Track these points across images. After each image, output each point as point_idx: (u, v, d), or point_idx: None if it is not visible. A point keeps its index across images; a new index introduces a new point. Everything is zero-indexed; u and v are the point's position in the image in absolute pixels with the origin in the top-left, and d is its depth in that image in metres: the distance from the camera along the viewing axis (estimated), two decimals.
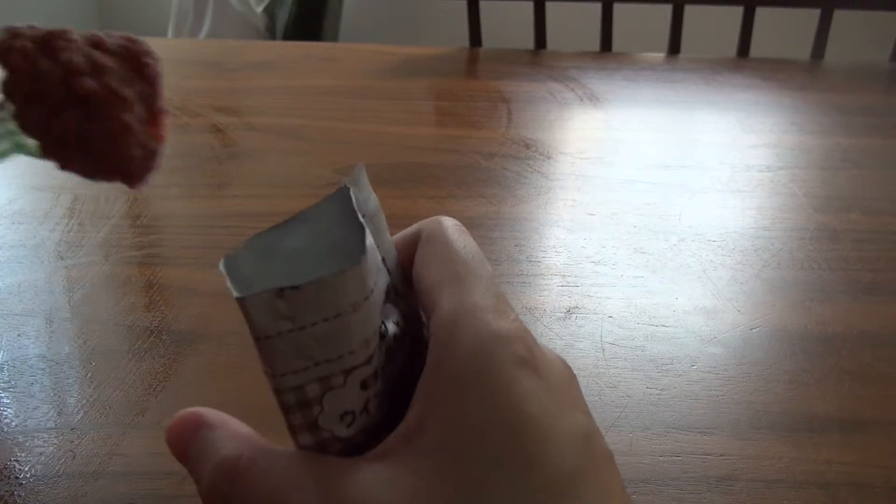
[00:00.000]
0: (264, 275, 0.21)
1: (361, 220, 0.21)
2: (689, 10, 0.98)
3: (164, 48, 0.96)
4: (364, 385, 0.21)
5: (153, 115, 0.33)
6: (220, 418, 0.23)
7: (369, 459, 0.21)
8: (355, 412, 0.21)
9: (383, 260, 0.23)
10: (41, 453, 0.35)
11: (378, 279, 0.22)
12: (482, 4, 1.02)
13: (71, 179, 0.32)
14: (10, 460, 0.34)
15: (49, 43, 0.32)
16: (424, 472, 0.20)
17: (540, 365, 0.21)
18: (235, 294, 0.19)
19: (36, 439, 0.36)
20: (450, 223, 0.26)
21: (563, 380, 0.23)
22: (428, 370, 0.22)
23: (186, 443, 0.23)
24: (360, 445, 0.22)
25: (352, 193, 0.22)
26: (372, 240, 0.21)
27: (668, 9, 0.99)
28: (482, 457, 0.19)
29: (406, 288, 0.25)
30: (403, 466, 0.20)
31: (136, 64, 0.32)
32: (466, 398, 0.20)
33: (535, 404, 0.20)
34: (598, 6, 1.00)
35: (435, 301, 0.23)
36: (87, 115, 0.30)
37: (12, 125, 0.31)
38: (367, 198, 0.23)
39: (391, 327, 0.23)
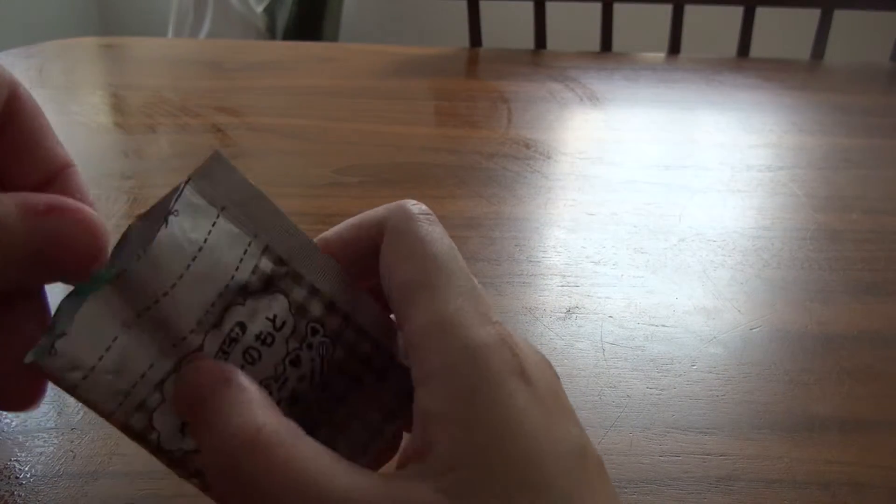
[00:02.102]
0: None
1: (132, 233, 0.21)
2: (689, 10, 0.98)
3: (164, 48, 0.96)
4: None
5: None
6: (249, 381, 0.21)
7: (393, 477, 0.20)
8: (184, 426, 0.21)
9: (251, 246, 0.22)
10: (41, 453, 0.35)
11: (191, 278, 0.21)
12: (482, 4, 1.02)
13: None
14: (10, 460, 0.34)
15: None
16: (439, 493, 0.19)
17: (530, 372, 0.21)
18: (26, 359, 0.19)
19: (36, 439, 0.36)
20: (416, 211, 0.24)
21: (550, 385, 0.22)
22: (420, 384, 0.21)
23: (204, 399, 0.20)
24: None
25: (184, 189, 0.21)
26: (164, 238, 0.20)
27: (668, 9, 0.99)
28: (490, 479, 0.19)
29: (349, 289, 0.24)
30: (421, 484, 0.19)
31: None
32: (469, 417, 0.20)
33: (530, 420, 0.20)
34: (598, 6, 1.00)
35: (408, 306, 0.22)
36: None
37: None
38: (227, 189, 0.22)
39: (258, 327, 0.22)
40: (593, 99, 0.77)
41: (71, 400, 0.38)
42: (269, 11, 2.05)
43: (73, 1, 2.41)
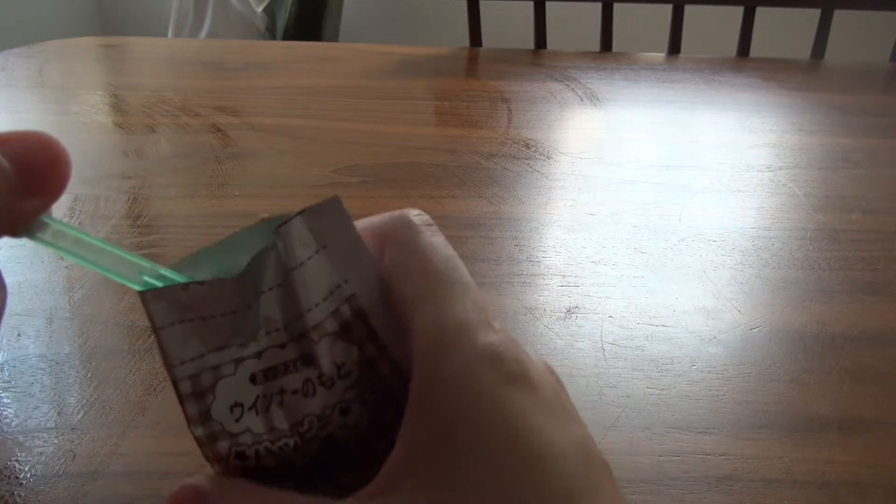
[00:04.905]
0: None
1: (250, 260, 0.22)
2: (689, 10, 0.98)
3: (164, 48, 0.96)
4: (253, 379, 0.22)
5: None
6: (220, 489, 0.22)
7: (361, 498, 0.20)
8: (244, 406, 0.22)
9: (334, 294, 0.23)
10: (41, 453, 0.35)
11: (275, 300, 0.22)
12: (482, 4, 1.02)
13: (71, 179, 0.32)
14: (10, 460, 0.34)
15: None
16: (447, 493, 0.19)
17: (533, 379, 0.21)
18: (137, 289, 0.21)
19: (36, 439, 0.36)
20: (418, 221, 0.24)
21: (554, 390, 0.22)
22: (413, 400, 0.21)
23: None
24: (269, 470, 0.22)
25: (277, 243, 0.22)
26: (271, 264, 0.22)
27: (668, 9, 0.99)
28: (495, 480, 0.19)
29: (407, 347, 0.24)
30: (427, 489, 0.20)
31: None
32: (473, 423, 0.20)
33: (531, 421, 0.20)
34: (598, 6, 1.00)
35: (412, 319, 0.22)
36: None
37: None
38: (295, 246, 0.23)
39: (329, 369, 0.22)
40: (593, 99, 0.77)
41: (71, 400, 0.38)
42: (269, 11, 2.05)
43: (73, 1, 2.41)
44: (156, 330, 0.21)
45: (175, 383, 0.21)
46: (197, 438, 0.22)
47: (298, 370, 0.22)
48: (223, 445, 0.22)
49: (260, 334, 0.22)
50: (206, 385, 0.22)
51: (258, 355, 0.22)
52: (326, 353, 0.22)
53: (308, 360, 0.22)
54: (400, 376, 0.23)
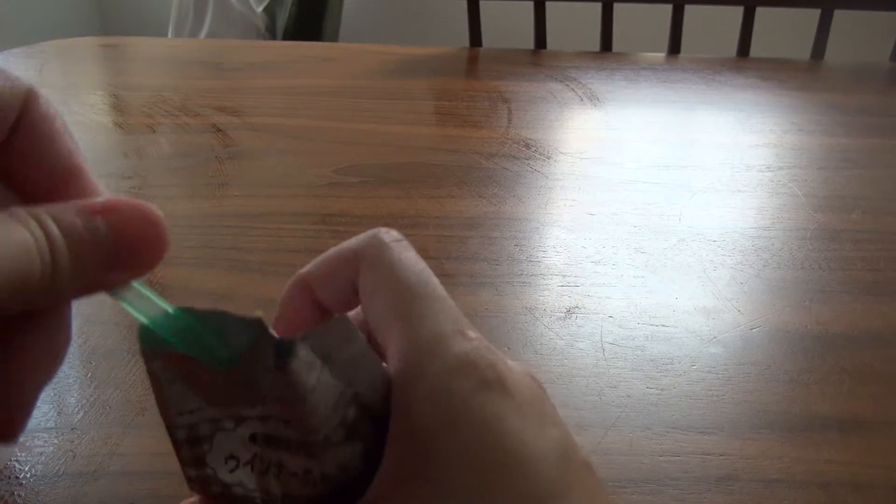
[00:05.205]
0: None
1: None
2: (689, 10, 0.98)
3: (164, 48, 0.96)
4: (253, 439, 0.21)
5: None
6: None
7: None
8: (239, 460, 0.22)
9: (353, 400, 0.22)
10: (41, 453, 0.35)
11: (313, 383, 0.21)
12: (482, 4, 1.02)
13: None
14: (10, 460, 0.34)
15: None
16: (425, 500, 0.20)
17: (509, 384, 0.21)
18: (141, 347, 0.21)
19: (36, 439, 0.36)
20: (388, 239, 0.24)
21: (534, 395, 0.22)
22: (395, 416, 0.21)
23: None
24: None
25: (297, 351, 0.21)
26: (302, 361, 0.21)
27: (668, 9, 0.99)
28: (472, 483, 0.19)
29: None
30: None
31: None
32: (450, 429, 0.20)
33: (507, 424, 0.20)
34: (598, 6, 1.00)
35: (387, 336, 0.22)
36: None
37: None
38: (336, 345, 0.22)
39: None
40: (593, 99, 0.77)
41: (71, 400, 0.38)
42: (269, 11, 2.05)
43: (73, 1, 2.41)
44: (159, 384, 0.21)
45: (170, 430, 0.21)
46: (188, 477, 0.22)
47: (300, 456, 0.22)
48: (215, 489, 0.22)
49: (268, 400, 0.21)
50: (203, 434, 0.21)
51: (262, 420, 0.21)
52: (331, 459, 0.22)
53: (309, 453, 0.22)
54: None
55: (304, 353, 0.21)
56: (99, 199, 0.20)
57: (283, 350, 0.21)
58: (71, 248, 0.18)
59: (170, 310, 0.21)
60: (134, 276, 0.20)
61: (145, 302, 0.21)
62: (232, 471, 0.22)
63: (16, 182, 0.20)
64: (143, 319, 0.21)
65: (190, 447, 0.22)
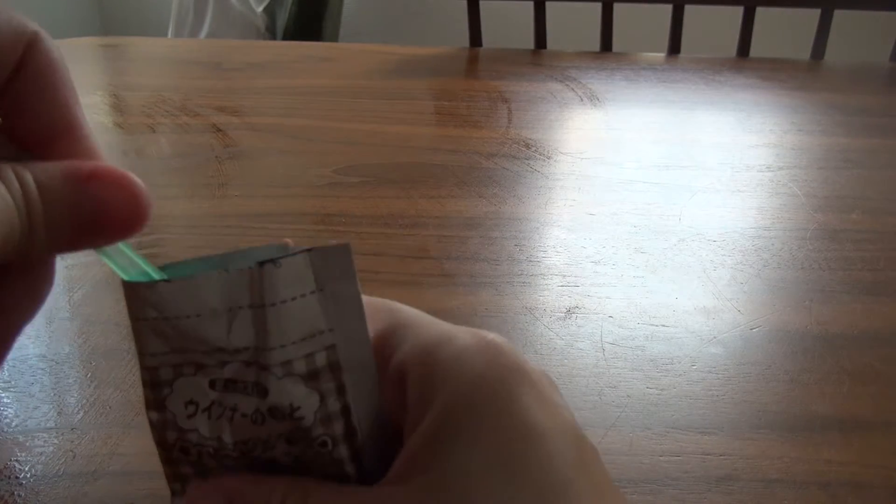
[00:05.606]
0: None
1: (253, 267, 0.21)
2: (689, 10, 0.98)
3: (164, 48, 0.96)
4: (213, 385, 0.22)
5: None
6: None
7: (383, 485, 0.21)
8: (198, 405, 0.22)
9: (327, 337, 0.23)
10: (41, 453, 0.35)
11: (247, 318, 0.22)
12: (482, 4, 1.02)
13: None
14: (10, 460, 0.34)
15: None
16: (428, 491, 0.20)
17: (527, 368, 0.22)
18: (123, 278, 0.21)
19: (36, 439, 0.36)
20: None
21: (549, 381, 0.23)
22: (414, 406, 0.22)
23: None
24: (209, 470, 0.23)
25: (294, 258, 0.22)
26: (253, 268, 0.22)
27: (668, 9, 0.99)
28: (476, 465, 0.20)
29: (377, 421, 0.24)
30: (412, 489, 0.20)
31: None
32: (454, 419, 0.21)
33: (526, 401, 0.21)
34: (598, 6, 1.00)
35: (391, 344, 0.23)
36: None
37: None
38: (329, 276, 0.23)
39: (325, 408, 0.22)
40: (593, 99, 0.77)
41: (71, 400, 0.38)
42: (269, 11, 2.05)
43: (73, 1, 2.41)
44: (132, 320, 0.22)
45: (141, 370, 0.22)
46: (150, 422, 0.22)
47: (252, 395, 0.22)
48: (171, 435, 0.22)
49: (229, 344, 0.22)
50: (164, 379, 0.22)
51: (221, 365, 0.22)
52: (285, 392, 0.22)
53: (262, 391, 0.22)
54: (352, 443, 0.23)
55: (300, 264, 0.21)
56: (87, 165, 0.20)
57: (287, 254, 0.21)
58: (48, 212, 0.19)
59: (154, 274, 0.22)
60: (109, 243, 0.21)
61: (127, 261, 0.21)
62: (190, 416, 0.22)
63: (12, 129, 0.20)
64: (125, 277, 0.21)
65: (152, 389, 0.22)
